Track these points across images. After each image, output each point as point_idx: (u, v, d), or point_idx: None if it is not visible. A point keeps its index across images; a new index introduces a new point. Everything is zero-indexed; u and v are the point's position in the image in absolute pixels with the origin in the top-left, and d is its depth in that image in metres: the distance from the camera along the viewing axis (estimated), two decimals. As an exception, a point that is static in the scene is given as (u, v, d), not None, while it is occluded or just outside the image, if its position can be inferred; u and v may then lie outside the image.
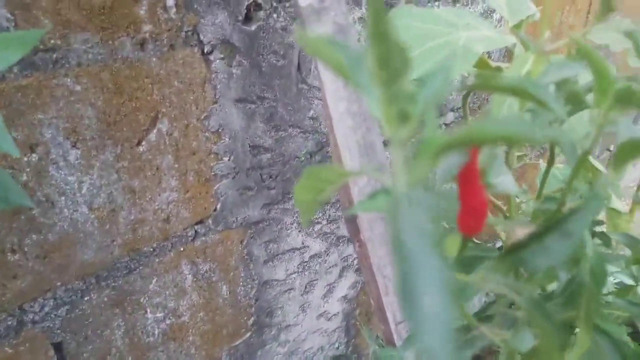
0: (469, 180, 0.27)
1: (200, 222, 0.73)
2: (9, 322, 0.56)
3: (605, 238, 0.51)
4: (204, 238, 0.74)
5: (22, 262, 0.55)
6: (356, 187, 0.53)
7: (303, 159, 0.85)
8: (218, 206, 0.74)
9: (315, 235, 0.95)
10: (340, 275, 1.05)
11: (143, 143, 0.62)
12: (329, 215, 0.96)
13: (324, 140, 0.87)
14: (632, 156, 0.32)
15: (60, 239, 0.57)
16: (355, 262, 1.08)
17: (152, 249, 0.67)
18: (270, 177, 0.80)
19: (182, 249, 0.72)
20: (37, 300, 0.58)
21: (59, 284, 0.59)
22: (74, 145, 0.55)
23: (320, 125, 0.85)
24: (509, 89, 0.27)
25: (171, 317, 0.74)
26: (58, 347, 0.61)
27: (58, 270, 0.58)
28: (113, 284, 0.64)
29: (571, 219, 0.30)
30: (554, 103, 0.25)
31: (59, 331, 0.61)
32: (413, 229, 0.17)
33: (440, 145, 0.19)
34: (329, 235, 0.98)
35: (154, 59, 0.60)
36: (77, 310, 0.62)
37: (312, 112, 0.83)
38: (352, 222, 0.55)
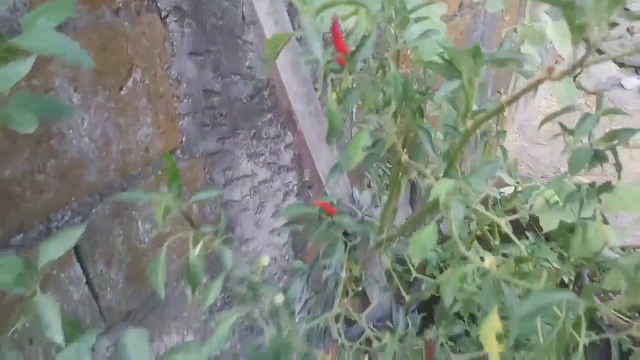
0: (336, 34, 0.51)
1: (172, 152, 0.93)
2: (40, 228, 0.75)
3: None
4: (176, 165, 0.95)
5: (46, 180, 0.74)
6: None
7: (245, 101, 1.07)
8: (183, 139, 0.95)
9: (261, 165, 1.17)
10: (284, 199, 1.29)
11: (124, 89, 0.81)
12: (271, 147, 1.18)
13: (260, 85, 1.09)
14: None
15: (71, 163, 0.76)
16: (295, 187, 1.32)
17: (137, 173, 0.88)
18: (221, 115, 1.02)
19: (159, 173, 0.92)
20: (59, 211, 0.77)
21: (73, 199, 0.78)
22: (75, 90, 0.74)
23: (255, 73, 1.07)
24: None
25: (157, 228, 0.94)
26: (76, 249, 0.81)
27: (72, 188, 0.77)
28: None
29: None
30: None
31: (76, 236, 0.80)
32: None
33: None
34: (272, 164, 1.21)
35: (126, 23, 0.79)
36: (88, 220, 0.81)
37: (247, 62, 1.04)
38: (290, 117, 0.78)
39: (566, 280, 1.34)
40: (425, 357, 0.69)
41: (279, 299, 0.59)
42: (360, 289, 0.73)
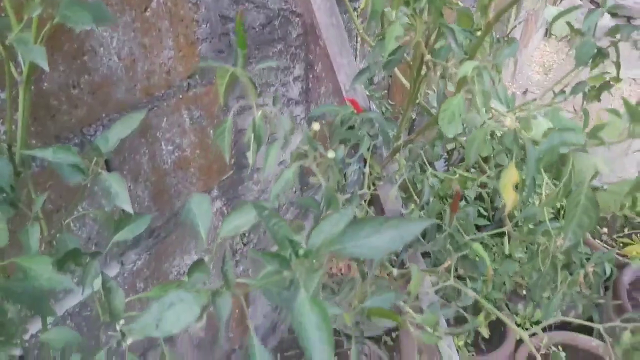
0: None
1: (191, 76, 0.97)
2: (75, 141, 0.79)
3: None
4: (194, 90, 0.99)
5: (80, 95, 0.78)
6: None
7: (257, 29, 1.09)
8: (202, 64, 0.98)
9: (270, 96, 1.21)
10: (294, 130, 1.33)
11: (148, 10, 0.84)
12: (281, 79, 1.22)
13: (272, 15, 1.12)
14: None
15: (102, 80, 0.80)
16: (302, 121, 1.37)
17: (161, 94, 0.91)
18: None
19: (181, 97, 0.96)
20: (91, 125, 0.81)
21: (103, 115, 0.82)
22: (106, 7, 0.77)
23: (268, 2, 1.09)
24: None
25: (178, 151, 0.99)
26: (107, 164, 0.86)
27: (102, 104, 0.81)
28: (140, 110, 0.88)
29: None
30: None
31: (107, 151, 0.85)
32: None
33: None
34: (281, 97, 1.25)
35: (149, -58, 0.81)
36: (115, 129, 0.85)
37: (261, -10, 1.06)
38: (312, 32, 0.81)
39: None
40: (451, 208, 0.77)
41: (331, 154, 0.65)
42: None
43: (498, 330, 1.46)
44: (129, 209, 0.52)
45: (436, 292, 0.96)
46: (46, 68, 0.47)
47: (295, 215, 1.47)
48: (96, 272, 0.51)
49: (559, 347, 1.41)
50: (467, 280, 0.96)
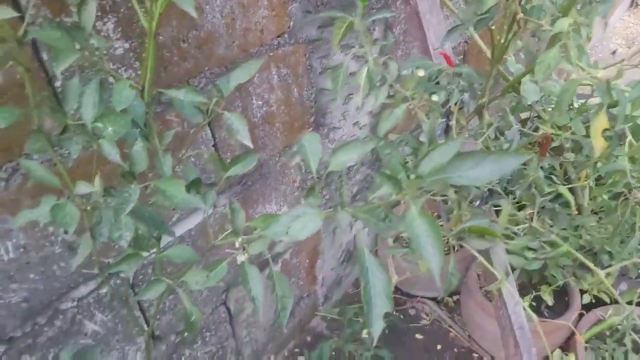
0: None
1: (280, 35, 1.03)
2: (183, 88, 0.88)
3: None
4: (283, 48, 1.05)
5: (188, 49, 0.86)
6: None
7: (343, -8, 1.13)
8: (291, 24, 1.04)
9: (351, 57, 1.26)
10: (368, 94, 1.38)
11: (248, -30, 0.90)
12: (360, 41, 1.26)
13: (357, -23, 1.15)
14: None
15: (207, 36, 0.88)
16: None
17: (254, 51, 0.98)
18: (322, 4, 1.09)
19: (271, 54, 1.02)
20: (196, 77, 0.89)
21: (206, 68, 0.90)
22: (212, -32, 0.83)
23: (354, -36, 1.12)
24: None
25: (266, 106, 1.07)
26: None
27: (206, 58, 0.89)
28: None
29: None
30: None
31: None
32: None
33: None
34: (360, 58, 1.29)
35: None
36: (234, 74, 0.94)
37: (348, -47, 1.09)
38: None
39: None
40: (540, 152, 0.81)
41: (435, 97, 0.70)
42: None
43: (562, 299, 1.47)
44: (248, 143, 0.59)
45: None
46: (194, 15, 0.54)
47: (365, 176, 1.53)
48: (214, 199, 0.59)
49: None
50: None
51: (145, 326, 0.98)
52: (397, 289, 1.74)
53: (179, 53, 0.85)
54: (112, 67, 0.76)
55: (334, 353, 1.34)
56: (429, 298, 1.72)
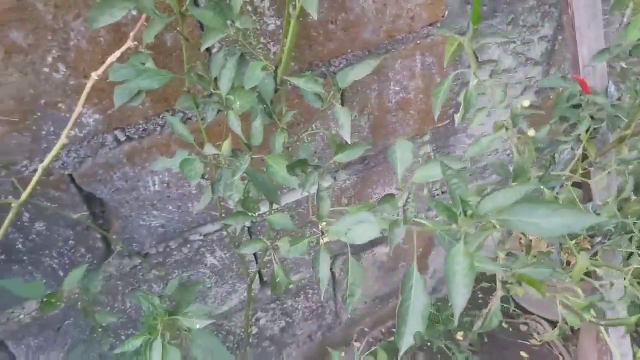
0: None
1: (432, 24, 1.01)
2: (322, 69, 0.94)
3: None
4: (432, 37, 1.03)
5: (335, 31, 0.90)
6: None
7: (512, -17, 1.06)
8: (445, 13, 1.01)
9: (509, 53, 1.18)
10: (522, 92, 1.29)
11: (408, -43, 0.89)
12: (524, 37, 1.17)
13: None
14: None
15: (355, 19, 0.91)
16: (535, 84, 1.30)
17: (401, 38, 0.99)
18: (486, -5, 1.04)
19: (418, 42, 1.02)
20: (338, 58, 0.94)
21: (349, 50, 0.94)
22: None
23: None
24: None
25: (403, 93, 1.07)
26: (342, 92, 0.99)
27: (351, 41, 0.93)
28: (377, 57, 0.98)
29: None
30: None
31: (345, 82, 0.97)
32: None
33: None
34: (519, 55, 1.20)
35: None
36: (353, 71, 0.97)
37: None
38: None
39: None
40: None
41: (531, 132, 0.67)
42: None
43: None
44: (347, 139, 0.63)
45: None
46: (315, 16, 0.57)
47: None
48: (315, 181, 0.64)
49: None
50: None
51: (251, 271, 1.10)
52: (511, 300, 1.65)
53: (325, 34, 0.89)
54: (263, 41, 0.84)
55: (428, 345, 1.35)
56: (545, 319, 1.61)
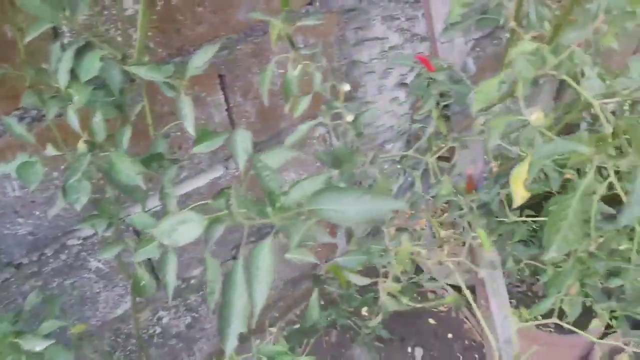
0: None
1: (310, 3, 0.99)
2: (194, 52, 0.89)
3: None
4: (312, 16, 1.01)
5: (203, 13, 0.85)
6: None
7: (389, -41, 1.05)
8: (323, -8, 0.99)
9: (394, 29, 1.19)
10: (411, 68, 1.30)
11: None
12: (407, 13, 1.18)
13: (408, -56, 1.06)
14: None
15: (224, 1, 0.86)
16: (425, 60, 1.32)
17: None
18: (363, -28, 1.03)
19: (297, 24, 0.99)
20: (210, 41, 0.89)
21: (222, 33, 0.90)
22: None
23: None
24: None
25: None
26: (221, 79, 0.95)
27: (223, 23, 0.88)
28: (254, 40, 0.94)
29: None
30: None
31: (222, 67, 0.93)
32: None
33: None
34: (405, 31, 1.21)
35: None
36: (232, 55, 0.93)
37: None
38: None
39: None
40: (466, 188, 0.76)
41: (349, 117, 0.67)
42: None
43: (589, 313, 1.37)
44: (191, 131, 0.59)
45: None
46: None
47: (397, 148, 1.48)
48: (172, 176, 0.60)
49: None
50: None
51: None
52: (419, 270, 1.70)
53: (193, 17, 0.84)
54: (122, 28, 0.77)
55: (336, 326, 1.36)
56: (452, 285, 1.68)
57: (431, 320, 1.59)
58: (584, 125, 1.73)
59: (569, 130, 0.93)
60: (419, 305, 0.78)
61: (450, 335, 1.55)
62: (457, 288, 1.67)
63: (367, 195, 0.33)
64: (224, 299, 0.38)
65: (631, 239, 0.74)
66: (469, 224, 0.82)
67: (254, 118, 1.05)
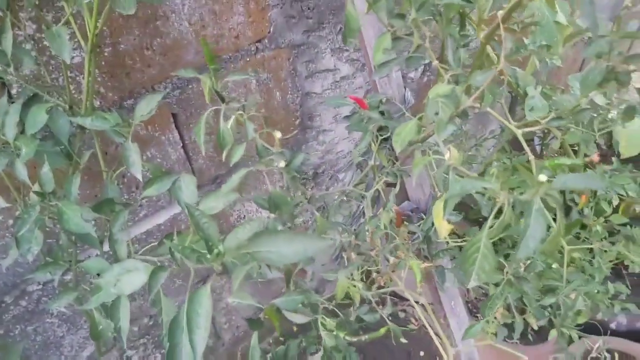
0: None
1: (259, 41, 1.03)
2: (146, 94, 0.91)
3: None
4: (262, 53, 1.05)
5: (152, 56, 0.88)
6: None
7: (333, -5, 1.11)
8: (271, 29, 1.03)
9: (344, 60, 1.24)
10: (364, 96, 1.35)
11: (219, -22, 0.90)
12: (356, 44, 1.23)
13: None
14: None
15: (173, 43, 0.89)
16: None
17: (228, 57, 0.99)
18: (309, 8, 1.07)
19: (248, 59, 1.03)
20: (162, 83, 0.92)
21: (173, 74, 0.92)
22: (178, -22, 0.84)
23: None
24: None
25: (242, 110, 1.08)
26: (175, 117, 0.97)
27: (173, 64, 0.91)
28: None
29: None
30: None
31: (175, 106, 0.96)
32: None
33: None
34: (355, 61, 1.27)
35: None
36: (184, 94, 0.96)
37: (340, -44, 1.06)
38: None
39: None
40: (395, 222, 0.80)
41: (282, 164, 0.70)
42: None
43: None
44: (139, 176, 0.62)
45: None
46: (67, 60, 0.56)
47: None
48: (124, 221, 0.62)
49: (615, 353, 1.34)
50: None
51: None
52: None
53: (142, 60, 0.87)
54: (70, 75, 0.79)
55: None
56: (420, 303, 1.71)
57: (403, 340, 1.61)
58: (536, 140, 1.80)
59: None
60: (354, 339, 0.81)
61: (422, 354, 1.58)
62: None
63: (299, 236, 0.36)
64: (170, 347, 0.40)
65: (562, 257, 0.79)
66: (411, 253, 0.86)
67: (212, 151, 1.07)
